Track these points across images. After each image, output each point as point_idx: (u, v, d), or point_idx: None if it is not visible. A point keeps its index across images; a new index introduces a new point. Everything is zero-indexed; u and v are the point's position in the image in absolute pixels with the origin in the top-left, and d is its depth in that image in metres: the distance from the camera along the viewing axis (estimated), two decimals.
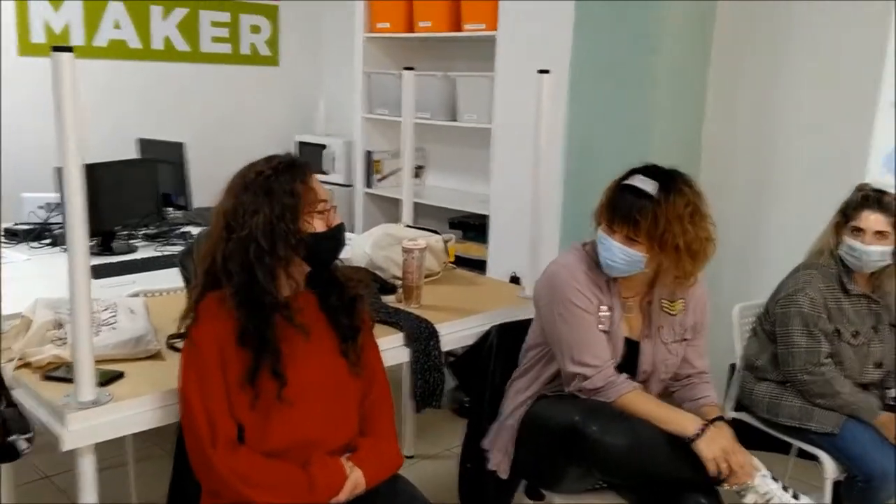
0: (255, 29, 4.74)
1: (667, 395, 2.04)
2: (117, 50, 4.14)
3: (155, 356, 1.85)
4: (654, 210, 1.77)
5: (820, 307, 2.25)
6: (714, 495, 1.74)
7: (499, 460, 1.96)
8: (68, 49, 1.48)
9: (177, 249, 3.04)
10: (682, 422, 1.76)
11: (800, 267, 2.36)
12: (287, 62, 4.90)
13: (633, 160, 1.92)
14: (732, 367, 2.54)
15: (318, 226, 1.60)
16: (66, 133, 1.50)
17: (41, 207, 3.27)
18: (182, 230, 3.34)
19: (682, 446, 1.71)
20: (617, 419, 1.75)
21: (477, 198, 4.03)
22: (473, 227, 3.97)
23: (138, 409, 1.64)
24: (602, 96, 3.17)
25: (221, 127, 4.57)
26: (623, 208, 1.81)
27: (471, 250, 3.87)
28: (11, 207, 3.38)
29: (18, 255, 2.92)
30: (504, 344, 2.16)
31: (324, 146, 4.59)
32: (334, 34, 4.86)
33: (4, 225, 3.16)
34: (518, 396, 1.99)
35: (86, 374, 1.57)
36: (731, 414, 2.47)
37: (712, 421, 1.77)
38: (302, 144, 4.67)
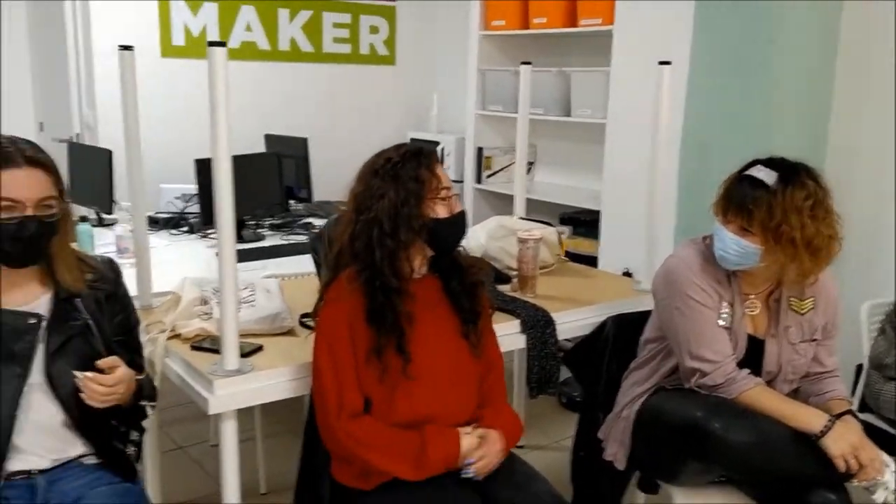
0: (374, 29, 4.90)
1: (793, 392, 1.99)
2: (248, 51, 4.40)
3: (289, 332, 1.98)
4: (770, 201, 1.72)
5: None
6: (842, 492, 1.69)
7: (615, 451, 1.98)
8: (222, 44, 1.62)
9: (300, 239, 3.21)
10: (807, 418, 1.71)
11: None
12: (403, 61, 5.05)
13: (752, 156, 1.86)
14: (859, 367, 2.44)
15: (441, 211, 1.66)
16: (218, 123, 1.63)
17: (178, 198, 3.52)
18: (304, 221, 3.51)
19: (808, 443, 1.68)
20: (740, 416, 1.72)
21: (588, 193, 4.02)
22: (584, 222, 3.97)
23: (276, 379, 1.76)
24: (722, 91, 3.10)
25: (340, 124, 4.77)
26: (738, 198, 1.78)
27: (581, 246, 3.87)
28: (151, 197, 3.67)
29: (160, 241, 3.16)
30: (621, 335, 2.17)
31: (436, 143, 4.70)
32: (448, 33, 4.96)
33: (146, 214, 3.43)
34: (635, 388, 2.00)
35: (231, 346, 1.71)
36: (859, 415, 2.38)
37: (840, 415, 1.73)
38: (414, 141, 4.80)
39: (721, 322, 1.85)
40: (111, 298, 1.65)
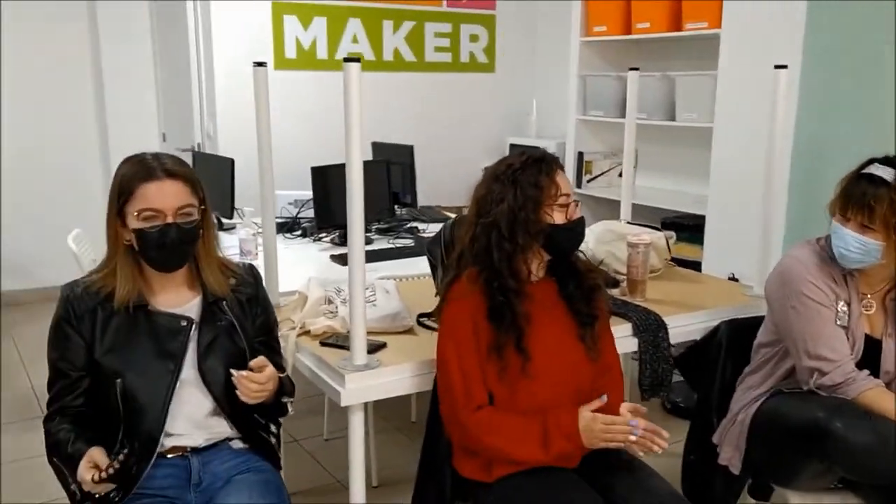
0: (474, 38, 5.00)
1: None
2: None
3: (409, 331, 2.08)
4: (891, 196, 1.75)
5: None
6: None
7: (730, 455, 1.98)
8: (357, 60, 1.73)
9: (407, 242, 3.32)
10: None
11: None
12: (502, 68, 5.13)
13: (866, 158, 1.85)
14: None
15: (559, 218, 1.71)
16: (352, 132, 1.74)
17: (291, 203, 3.70)
18: (410, 225, 3.62)
19: None
20: (862, 417, 1.71)
21: (691, 198, 3.98)
22: (686, 227, 3.93)
23: (400, 375, 1.86)
24: (835, 93, 3.03)
25: (442, 131, 4.89)
26: (857, 195, 1.80)
27: (684, 251, 3.83)
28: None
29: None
30: (734, 340, 2.16)
31: (535, 149, 4.74)
32: (548, 40, 5.01)
33: (259, 219, 3.63)
34: (750, 392, 1.99)
35: (360, 342, 1.82)
36: None
37: None
38: (513, 147, 4.86)
39: (839, 322, 1.84)
40: (252, 301, 1.76)
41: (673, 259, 3.38)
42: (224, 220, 3.61)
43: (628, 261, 2.39)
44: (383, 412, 3.14)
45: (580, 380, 1.77)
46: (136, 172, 1.59)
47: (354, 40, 4.55)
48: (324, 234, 3.36)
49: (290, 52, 4.34)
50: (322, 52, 4.41)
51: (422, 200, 4.06)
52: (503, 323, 1.69)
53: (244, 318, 1.73)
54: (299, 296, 2.19)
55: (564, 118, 4.51)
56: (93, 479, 1.47)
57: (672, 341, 2.23)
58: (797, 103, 3.12)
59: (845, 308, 1.86)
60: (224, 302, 1.71)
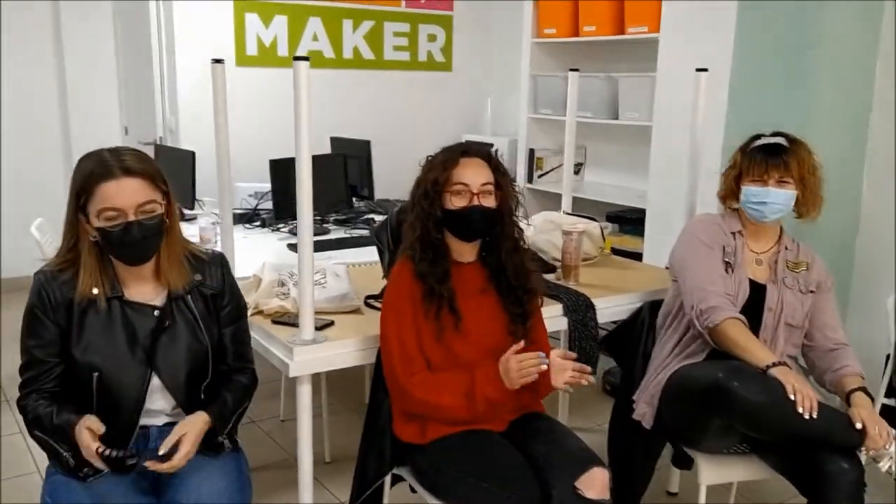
0: (432, 37, 5.17)
1: (808, 370, 2.18)
2: (315, 60, 4.67)
3: (356, 311, 2.24)
4: (796, 150, 2.11)
5: None
6: (854, 459, 1.85)
7: (644, 411, 2.18)
8: (306, 59, 1.88)
9: (362, 232, 3.47)
10: (762, 353, 1.96)
11: None
12: (459, 67, 5.30)
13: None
14: (888, 357, 2.57)
15: (457, 203, 1.89)
16: (301, 128, 1.90)
17: (251, 195, 3.83)
18: (366, 217, 3.78)
19: (820, 407, 1.85)
20: (757, 378, 1.91)
21: (634, 193, 4.20)
22: (630, 220, 4.15)
23: (345, 349, 2.02)
24: (763, 95, 3.25)
25: (399, 127, 5.05)
26: (772, 157, 2.11)
27: (627, 243, 4.05)
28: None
29: (236, 234, 3.41)
30: (656, 318, 2.36)
31: (490, 145, 4.92)
32: (502, 41, 5.20)
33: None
34: (662, 352, 2.22)
35: (308, 318, 1.98)
36: (883, 400, 2.52)
37: (852, 392, 1.90)
38: (469, 143, 5.03)
39: (725, 259, 2.15)
40: (218, 296, 1.79)
41: (617, 250, 3.58)
42: (185, 211, 3.73)
43: (563, 247, 2.57)
44: (338, 394, 3.30)
45: (507, 343, 1.90)
46: (94, 171, 1.61)
47: (315, 38, 4.70)
48: (282, 225, 3.51)
49: (252, 49, 4.47)
50: (283, 50, 4.54)
51: (379, 193, 4.21)
52: (434, 294, 1.87)
53: (208, 314, 1.77)
54: (254, 278, 2.34)
55: (517, 116, 4.70)
56: (97, 451, 1.54)
57: (601, 321, 2.43)
58: (727, 104, 3.34)
59: (732, 258, 2.17)
60: (189, 296, 1.74)
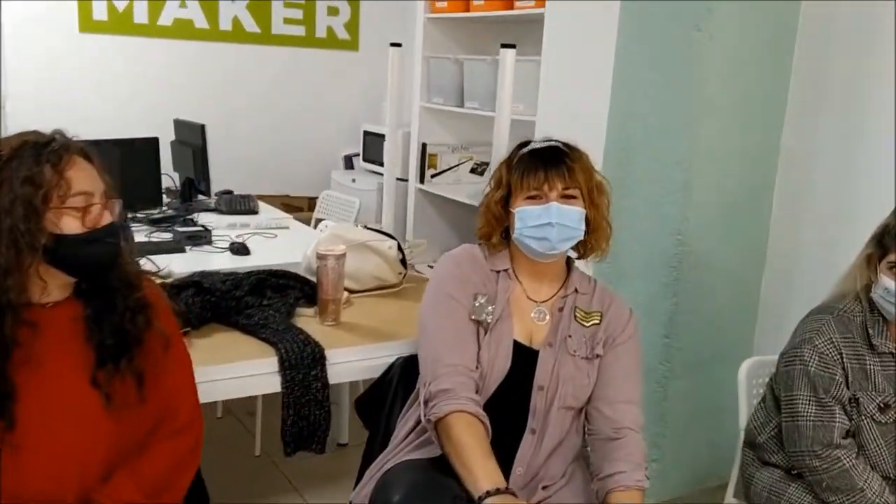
0: (333, 11, 4.55)
1: (586, 457, 1.59)
2: (182, 30, 4.10)
3: None
4: (579, 157, 1.61)
5: (833, 364, 1.63)
6: None
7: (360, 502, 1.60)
8: None
9: (165, 237, 2.89)
10: (477, 474, 1.39)
11: (812, 311, 1.74)
12: (366, 47, 4.68)
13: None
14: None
15: (72, 225, 1.27)
16: None
17: None
18: (187, 217, 3.17)
19: None
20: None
21: None
22: None
23: None
24: (645, 89, 2.60)
25: (291, 113, 4.45)
26: (551, 164, 1.57)
27: None
28: None
29: None
30: (406, 377, 1.75)
31: (384, 136, 4.31)
32: (411, 18, 4.56)
33: None
34: (400, 434, 1.65)
35: None
36: (732, 501, 1.89)
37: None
38: (366, 134, 4.41)
39: (473, 317, 1.56)
40: None
41: None
42: None
43: (317, 276, 1.96)
44: None
45: (90, 439, 1.30)
46: None
47: (182, 4, 4.08)
48: None
49: (100, 14, 3.87)
50: (141, 17, 3.94)
51: (252, 188, 3.64)
52: None
53: None
54: None
55: (411, 105, 4.06)
56: None
57: (348, 378, 1.82)
58: (611, 87, 2.69)
59: (487, 304, 1.57)
60: None
